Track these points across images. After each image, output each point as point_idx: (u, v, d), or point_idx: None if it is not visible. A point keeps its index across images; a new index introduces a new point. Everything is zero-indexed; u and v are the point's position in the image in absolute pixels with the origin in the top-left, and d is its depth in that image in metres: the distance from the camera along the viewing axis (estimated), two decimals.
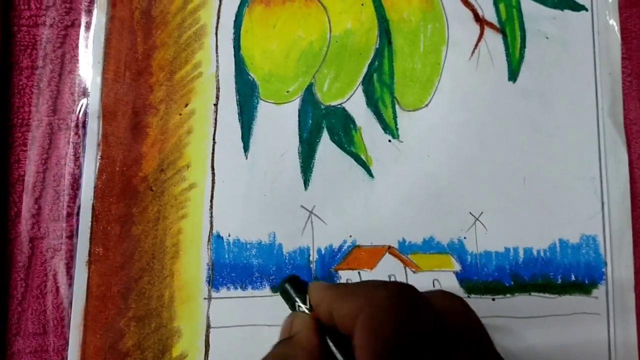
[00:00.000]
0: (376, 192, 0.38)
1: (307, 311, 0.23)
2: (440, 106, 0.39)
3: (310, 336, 0.22)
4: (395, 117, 0.38)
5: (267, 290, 0.36)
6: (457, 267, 0.37)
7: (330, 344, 0.22)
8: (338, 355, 0.22)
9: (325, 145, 0.38)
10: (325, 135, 0.38)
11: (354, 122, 0.38)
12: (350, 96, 0.38)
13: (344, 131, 0.38)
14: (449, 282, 0.37)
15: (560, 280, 0.38)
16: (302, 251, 0.37)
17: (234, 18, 0.38)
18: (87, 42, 0.37)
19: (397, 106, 0.39)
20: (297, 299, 0.24)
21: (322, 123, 0.38)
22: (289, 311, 0.35)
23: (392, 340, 0.19)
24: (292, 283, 0.24)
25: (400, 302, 0.20)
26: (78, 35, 0.37)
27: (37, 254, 0.36)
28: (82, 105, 0.37)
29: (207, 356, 0.35)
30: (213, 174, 0.37)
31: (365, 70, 0.39)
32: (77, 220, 0.36)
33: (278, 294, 0.36)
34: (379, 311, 0.20)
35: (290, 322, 0.23)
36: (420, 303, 0.20)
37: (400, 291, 0.21)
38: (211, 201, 0.37)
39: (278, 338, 0.24)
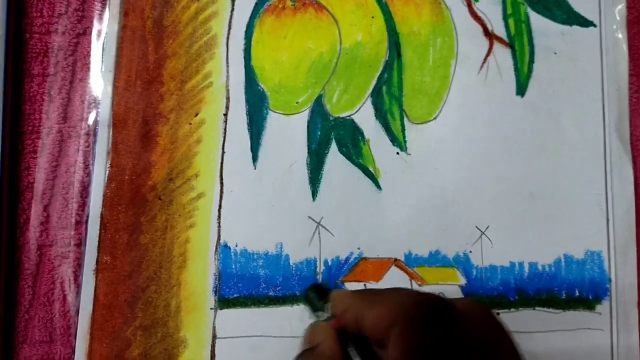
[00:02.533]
0: (384, 204, 0.38)
1: (327, 320, 0.24)
2: (448, 119, 0.39)
3: (333, 346, 0.23)
4: (403, 129, 0.39)
5: (273, 301, 0.36)
6: (463, 280, 0.38)
7: (354, 352, 0.22)
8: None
9: (334, 157, 0.38)
10: (333, 147, 0.38)
11: (362, 134, 0.38)
12: (359, 108, 0.39)
13: (352, 143, 0.38)
14: (454, 296, 0.37)
15: (564, 295, 0.38)
16: (308, 262, 0.37)
17: (244, 29, 0.39)
18: (99, 50, 0.37)
19: (405, 119, 0.39)
20: (318, 308, 0.24)
21: (331, 134, 0.38)
22: (295, 323, 0.36)
23: (427, 356, 0.19)
24: (315, 291, 0.25)
25: (434, 315, 0.21)
26: (90, 43, 0.37)
27: (45, 261, 0.36)
28: (92, 113, 0.37)
29: None
30: (222, 183, 0.37)
31: (374, 82, 0.39)
32: (86, 228, 0.36)
33: (284, 305, 0.36)
34: (412, 325, 0.20)
35: (312, 332, 0.24)
36: (453, 318, 0.20)
37: (433, 303, 0.21)
38: (219, 211, 0.37)
39: (299, 349, 0.24)
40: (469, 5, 0.40)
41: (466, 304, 0.22)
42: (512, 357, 0.20)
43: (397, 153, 0.38)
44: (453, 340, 0.20)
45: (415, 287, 0.37)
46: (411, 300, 0.22)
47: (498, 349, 0.20)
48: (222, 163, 0.37)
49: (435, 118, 0.39)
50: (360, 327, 0.23)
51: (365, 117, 0.39)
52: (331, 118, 0.38)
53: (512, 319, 0.37)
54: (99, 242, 0.36)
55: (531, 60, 0.40)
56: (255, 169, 0.37)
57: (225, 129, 0.38)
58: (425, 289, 0.37)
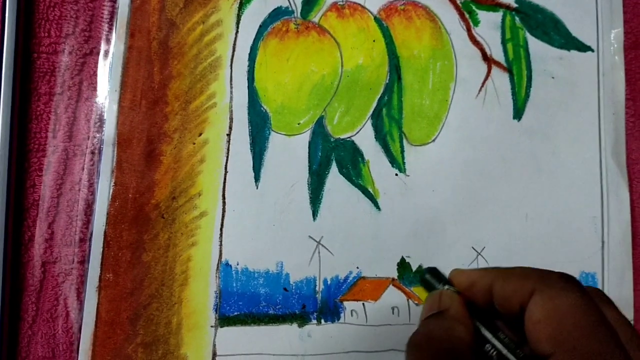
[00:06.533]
0: (382, 225, 0.38)
1: (454, 291, 0.25)
2: (446, 142, 0.40)
3: (463, 311, 0.24)
4: (402, 151, 0.39)
5: (273, 320, 0.37)
6: None
7: (477, 323, 0.23)
8: (484, 332, 0.23)
9: (334, 177, 0.39)
10: (334, 168, 0.39)
11: (362, 155, 0.39)
12: (360, 130, 0.39)
13: (352, 164, 0.39)
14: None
15: None
16: (308, 281, 0.38)
17: (248, 51, 0.39)
18: (105, 70, 0.38)
19: (404, 141, 0.39)
20: (441, 285, 0.25)
21: (332, 155, 0.39)
22: (294, 342, 0.36)
23: (571, 328, 0.20)
24: (432, 274, 0.26)
25: (573, 280, 0.22)
26: (96, 63, 0.38)
27: (49, 278, 0.36)
28: (97, 132, 0.38)
29: None
30: (224, 202, 0.38)
31: (374, 104, 0.40)
32: (89, 245, 0.36)
33: (284, 323, 0.37)
34: (555, 288, 0.21)
35: (438, 298, 0.25)
36: (595, 302, 0.21)
37: (575, 282, 0.22)
38: (221, 229, 0.37)
39: (422, 315, 0.25)
40: (469, 30, 0.41)
41: (600, 299, 0.23)
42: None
43: (396, 174, 0.39)
44: (591, 303, 0.21)
45: (412, 306, 0.38)
46: (546, 272, 0.23)
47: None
48: (224, 182, 0.38)
49: (434, 140, 0.40)
50: (490, 299, 0.24)
51: (365, 139, 0.39)
52: (332, 139, 0.39)
53: None
54: (102, 259, 0.36)
55: (529, 85, 0.41)
56: (257, 188, 0.38)
57: (228, 149, 0.38)
58: (422, 308, 0.38)
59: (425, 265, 0.38)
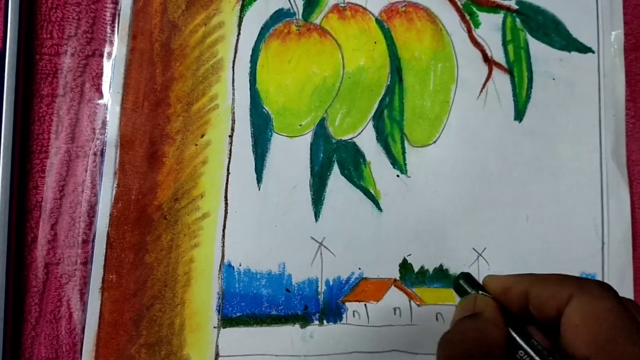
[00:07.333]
0: (384, 226, 0.39)
1: (488, 296, 0.25)
2: (447, 143, 0.40)
3: (497, 315, 0.24)
4: (404, 152, 0.39)
5: (275, 320, 0.37)
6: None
7: (510, 329, 0.24)
8: (517, 339, 0.23)
9: (336, 179, 0.39)
10: (335, 169, 0.39)
11: (363, 156, 0.39)
12: (361, 131, 0.40)
13: (354, 165, 0.39)
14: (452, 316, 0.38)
15: None
16: (310, 282, 0.38)
17: (250, 53, 0.39)
18: (107, 72, 0.38)
19: (406, 142, 0.40)
20: (475, 290, 0.26)
21: (333, 157, 0.39)
22: (296, 342, 0.37)
23: (609, 332, 0.21)
24: (465, 279, 0.26)
25: (610, 288, 0.23)
26: (98, 65, 0.38)
27: (52, 279, 0.36)
28: (100, 134, 0.38)
29: None
30: (226, 204, 0.38)
31: (376, 106, 0.40)
32: (92, 247, 0.36)
33: (286, 324, 0.37)
34: (594, 294, 0.22)
35: (473, 302, 0.25)
36: (630, 309, 0.22)
37: (611, 290, 0.23)
38: (223, 231, 0.38)
39: (454, 317, 0.25)
40: (469, 32, 0.41)
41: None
42: None
43: (398, 176, 0.39)
44: (627, 309, 0.22)
45: (414, 307, 0.38)
46: (584, 279, 0.23)
47: None
48: (227, 184, 0.38)
49: (435, 142, 0.40)
50: (524, 305, 0.24)
51: (366, 140, 0.39)
52: (333, 141, 0.39)
53: None
54: (105, 260, 0.36)
55: (529, 86, 0.41)
56: (259, 190, 0.38)
57: (230, 151, 0.38)
58: (424, 309, 0.38)
59: (427, 266, 0.38)
